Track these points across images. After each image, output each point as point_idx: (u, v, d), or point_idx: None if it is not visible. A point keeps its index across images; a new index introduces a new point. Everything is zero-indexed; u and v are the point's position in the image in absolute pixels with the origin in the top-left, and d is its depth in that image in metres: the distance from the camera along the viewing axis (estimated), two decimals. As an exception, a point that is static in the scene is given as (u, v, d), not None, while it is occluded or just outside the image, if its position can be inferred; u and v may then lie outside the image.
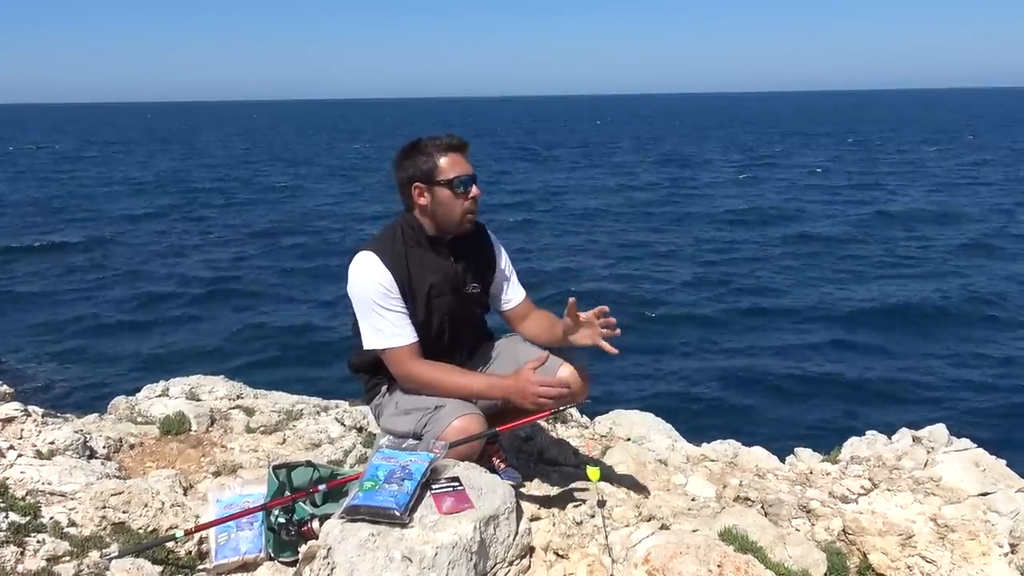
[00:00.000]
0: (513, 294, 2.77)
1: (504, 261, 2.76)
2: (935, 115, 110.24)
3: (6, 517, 2.38)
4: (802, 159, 48.21)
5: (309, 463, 2.63)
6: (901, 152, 51.09)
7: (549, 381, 2.40)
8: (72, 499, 2.67)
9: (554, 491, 2.87)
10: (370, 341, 2.55)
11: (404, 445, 2.35)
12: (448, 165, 2.52)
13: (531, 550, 2.27)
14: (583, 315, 2.53)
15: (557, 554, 2.32)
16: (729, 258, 21.69)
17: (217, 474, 3.16)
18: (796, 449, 3.69)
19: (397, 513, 2.01)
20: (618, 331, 2.52)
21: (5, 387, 3.86)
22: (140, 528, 2.53)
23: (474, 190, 2.54)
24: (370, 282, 2.50)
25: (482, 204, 2.62)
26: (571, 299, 2.54)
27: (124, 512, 2.56)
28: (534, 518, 2.52)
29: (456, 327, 2.67)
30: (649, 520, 2.59)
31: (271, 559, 2.42)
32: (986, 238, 22.99)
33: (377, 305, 2.50)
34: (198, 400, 4.08)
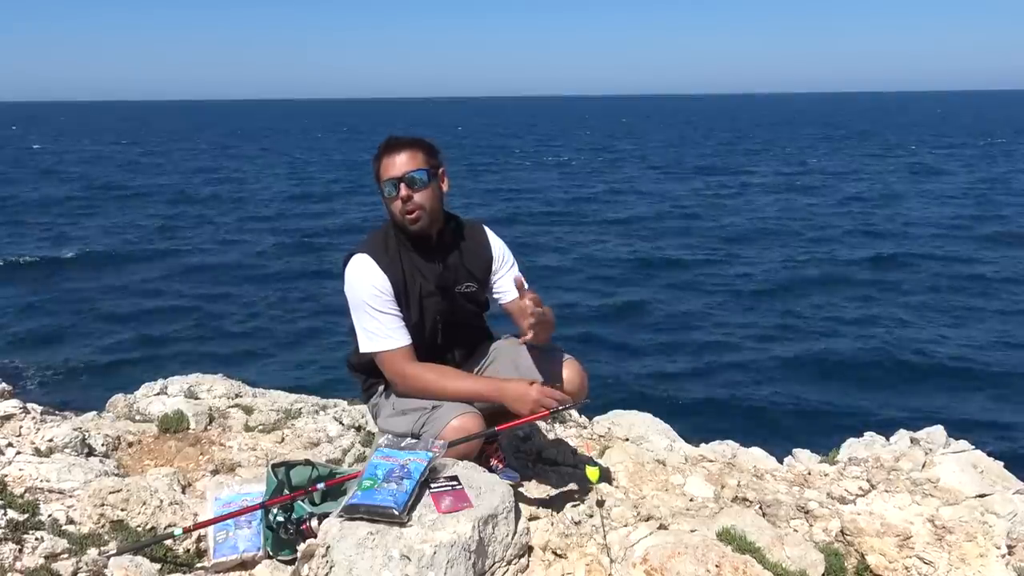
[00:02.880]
0: (509, 286, 2.74)
1: (501, 257, 2.75)
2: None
3: (4, 514, 2.37)
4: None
5: (308, 462, 2.63)
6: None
7: (553, 394, 2.41)
8: (70, 496, 2.67)
9: (552, 491, 2.88)
10: (364, 344, 2.56)
11: (403, 444, 2.35)
12: (381, 169, 2.54)
13: (529, 549, 2.27)
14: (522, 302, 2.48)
15: (556, 554, 2.32)
16: (731, 259, 21.72)
17: (215, 472, 3.16)
18: (794, 450, 3.69)
19: (396, 512, 2.01)
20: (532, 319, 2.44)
21: (4, 384, 3.85)
22: (138, 526, 2.53)
23: (402, 191, 2.50)
24: (364, 285, 2.51)
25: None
26: (517, 277, 2.55)
27: (122, 510, 2.56)
28: (532, 518, 2.52)
29: (449, 327, 2.67)
30: (647, 520, 2.59)
31: (269, 557, 2.42)
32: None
33: (370, 308, 2.51)
34: (197, 398, 4.08)
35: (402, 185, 2.49)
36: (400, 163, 2.51)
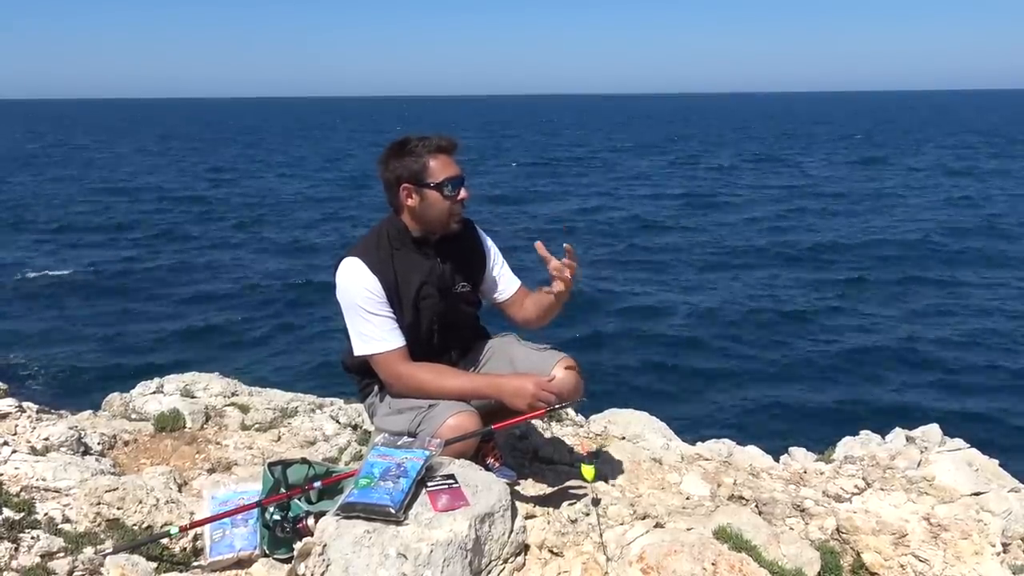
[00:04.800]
0: (506, 285, 2.77)
1: (494, 255, 2.77)
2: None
3: (0, 513, 2.37)
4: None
5: (304, 460, 2.62)
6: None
7: (550, 387, 2.42)
8: (66, 495, 2.67)
9: (549, 489, 2.88)
10: (358, 347, 2.55)
11: (399, 442, 2.35)
12: (438, 167, 2.52)
13: (526, 548, 2.28)
14: (552, 263, 2.51)
15: (552, 552, 2.32)
16: (729, 258, 21.75)
17: (212, 471, 3.16)
18: (790, 448, 3.69)
19: (392, 510, 2.01)
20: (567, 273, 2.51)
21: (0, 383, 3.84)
22: (135, 525, 2.53)
23: (462, 192, 2.54)
24: (356, 288, 2.50)
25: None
26: (537, 243, 2.55)
27: (119, 508, 2.56)
28: (529, 516, 2.52)
29: (446, 328, 2.66)
30: (644, 518, 2.60)
31: (266, 556, 2.41)
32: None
33: (363, 310, 2.50)
34: (193, 397, 4.07)
35: (462, 187, 2.54)
36: (456, 165, 2.55)
